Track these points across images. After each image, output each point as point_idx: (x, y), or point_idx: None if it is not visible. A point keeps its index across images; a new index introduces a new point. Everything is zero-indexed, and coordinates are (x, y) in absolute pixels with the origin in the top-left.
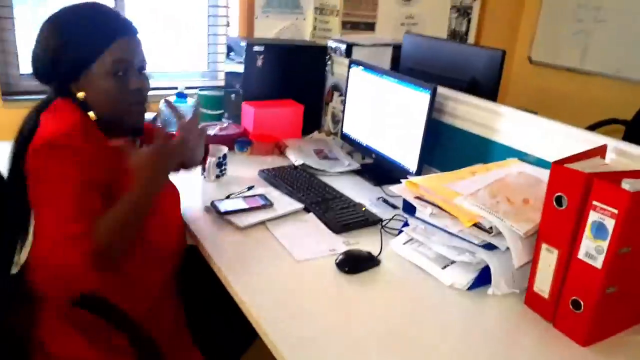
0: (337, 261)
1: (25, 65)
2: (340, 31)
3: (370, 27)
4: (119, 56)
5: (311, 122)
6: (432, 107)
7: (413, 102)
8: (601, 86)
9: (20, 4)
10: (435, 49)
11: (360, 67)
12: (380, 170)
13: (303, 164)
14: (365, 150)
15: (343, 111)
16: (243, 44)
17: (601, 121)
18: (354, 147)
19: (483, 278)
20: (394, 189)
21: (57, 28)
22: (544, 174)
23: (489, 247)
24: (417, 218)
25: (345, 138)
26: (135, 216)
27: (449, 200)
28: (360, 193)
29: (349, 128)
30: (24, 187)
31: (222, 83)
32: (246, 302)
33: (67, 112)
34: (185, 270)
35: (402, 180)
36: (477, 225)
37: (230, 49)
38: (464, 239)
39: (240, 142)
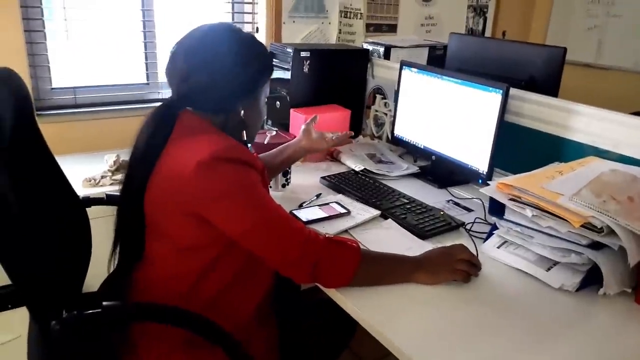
0: None
1: (57, 80)
2: (364, 34)
3: (392, 28)
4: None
5: (353, 126)
6: (505, 107)
7: (481, 102)
8: (620, 80)
9: (49, 19)
10: (486, 49)
11: (415, 69)
12: (441, 172)
13: (364, 169)
14: (422, 152)
15: (394, 114)
16: (290, 49)
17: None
18: (408, 149)
19: (589, 279)
20: (484, 190)
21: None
22: (636, 171)
23: (596, 246)
24: (508, 220)
25: (398, 141)
26: (386, 280)
27: (552, 201)
28: (427, 196)
29: (401, 130)
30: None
31: None
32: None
33: (216, 133)
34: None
35: (488, 182)
36: (585, 225)
37: (272, 55)
38: (569, 240)
39: None
